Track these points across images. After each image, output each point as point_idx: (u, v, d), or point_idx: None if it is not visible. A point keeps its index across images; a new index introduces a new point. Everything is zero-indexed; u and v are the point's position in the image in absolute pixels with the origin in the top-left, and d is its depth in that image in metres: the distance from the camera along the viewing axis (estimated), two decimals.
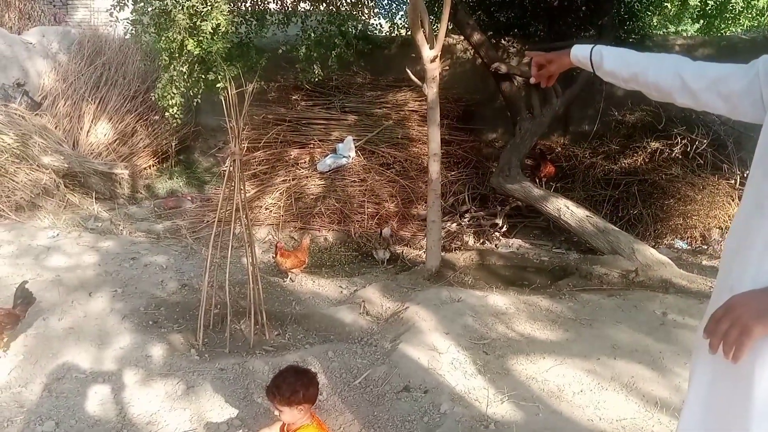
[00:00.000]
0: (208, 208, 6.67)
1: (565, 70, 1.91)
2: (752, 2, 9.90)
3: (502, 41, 8.27)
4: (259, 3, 7.25)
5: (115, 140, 7.97)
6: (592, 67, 1.76)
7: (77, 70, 8.25)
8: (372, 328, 3.90)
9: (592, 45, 1.76)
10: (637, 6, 8.11)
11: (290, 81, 7.76)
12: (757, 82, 1.40)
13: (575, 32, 7.83)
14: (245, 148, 6.69)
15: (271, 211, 6.38)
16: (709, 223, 6.10)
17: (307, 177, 6.69)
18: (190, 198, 7.33)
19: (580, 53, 1.79)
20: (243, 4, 6.91)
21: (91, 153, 7.59)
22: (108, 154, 7.77)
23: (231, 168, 3.64)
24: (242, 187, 3.68)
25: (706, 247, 6.03)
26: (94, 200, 6.83)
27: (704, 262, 5.57)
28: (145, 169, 8.30)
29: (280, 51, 6.82)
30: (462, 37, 7.68)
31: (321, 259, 5.66)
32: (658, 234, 6.18)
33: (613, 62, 1.71)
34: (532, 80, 1.97)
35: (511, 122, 7.27)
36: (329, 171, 6.67)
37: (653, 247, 5.51)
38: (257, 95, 6.84)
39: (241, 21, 6.83)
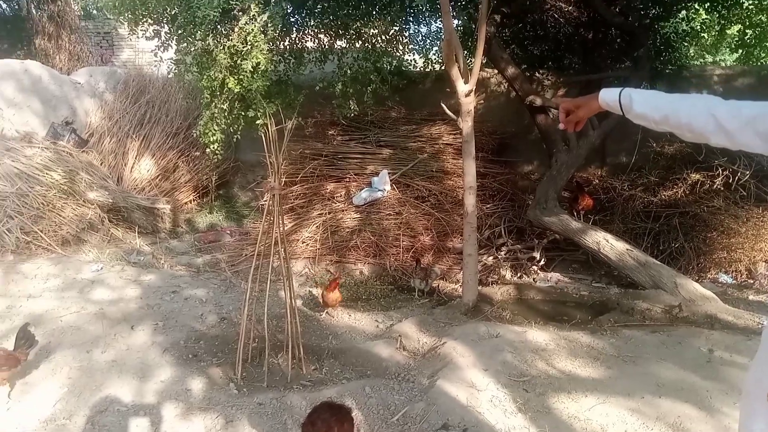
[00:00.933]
0: (246, 241, 6.79)
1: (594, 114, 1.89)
2: None
3: (537, 74, 8.28)
4: (297, 42, 7.45)
5: (158, 176, 8.20)
6: (622, 111, 1.74)
7: (122, 108, 8.56)
8: (409, 363, 3.87)
9: (620, 88, 1.73)
10: (673, 37, 8.02)
11: (327, 116, 7.92)
12: None
13: (610, 64, 7.79)
14: (283, 183, 6.80)
15: (307, 244, 6.45)
16: (754, 257, 5.92)
17: (343, 210, 6.76)
18: (229, 232, 7.46)
19: (608, 97, 1.76)
20: (281, 43, 7.10)
21: (135, 188, 7.82)
22: (150, 189, 8.00)
23: (270, 202, 3.71)
24: (281, 221, 3.73)
25: (752, 281, 5.84)
26: (136, 234, 7.00)
27: (750, 297, 5.39)
28: (186, 203, 8.50)
29: (317, 87, 6.97)
30: (496, 71, 7.73)
31: (357, 292, 5.68)
32: (701, 268, 6.02)
33: (642, 105, 1.68)
34: (561, 126, 1.95)
35: (546, 154, 7.22)
36: (365, 204, 6.73)
37: (697, 281, 5.37)
38: (295, 131, 6.94)
39: (280, 59, 7.02)
